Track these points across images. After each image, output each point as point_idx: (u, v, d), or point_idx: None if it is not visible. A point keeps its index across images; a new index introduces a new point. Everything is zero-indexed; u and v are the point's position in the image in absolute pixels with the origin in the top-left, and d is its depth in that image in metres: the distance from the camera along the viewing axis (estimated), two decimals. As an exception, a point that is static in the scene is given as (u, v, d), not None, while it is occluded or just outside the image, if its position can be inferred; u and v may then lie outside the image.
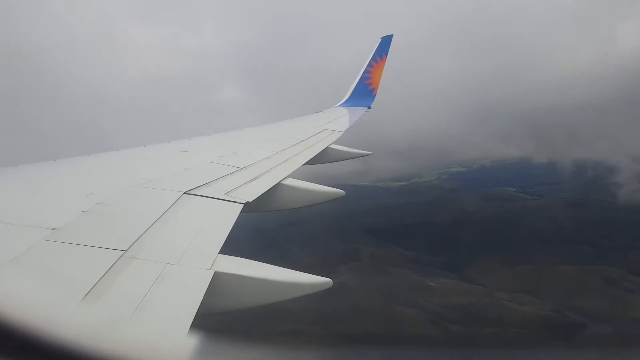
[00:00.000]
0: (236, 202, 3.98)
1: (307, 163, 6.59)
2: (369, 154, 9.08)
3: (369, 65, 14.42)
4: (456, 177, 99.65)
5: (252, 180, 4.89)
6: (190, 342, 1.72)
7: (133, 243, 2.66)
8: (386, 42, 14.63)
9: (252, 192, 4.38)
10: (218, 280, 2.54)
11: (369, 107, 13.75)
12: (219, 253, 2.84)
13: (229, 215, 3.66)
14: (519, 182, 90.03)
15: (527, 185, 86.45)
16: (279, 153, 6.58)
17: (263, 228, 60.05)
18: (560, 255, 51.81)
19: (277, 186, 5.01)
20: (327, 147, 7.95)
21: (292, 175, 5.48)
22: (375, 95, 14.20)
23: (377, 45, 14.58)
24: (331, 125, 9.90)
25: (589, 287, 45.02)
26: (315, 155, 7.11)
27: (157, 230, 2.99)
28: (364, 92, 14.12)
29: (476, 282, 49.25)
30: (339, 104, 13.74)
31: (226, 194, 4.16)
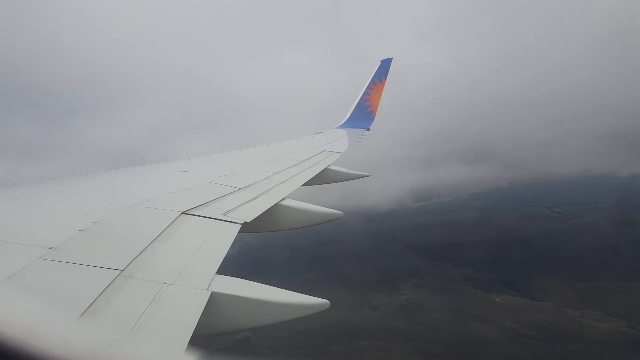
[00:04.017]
0: (234, 222, 3.97)
1: (306, 184, 6.60)
2: (368, 176, 9.10)
3: (369, 87, 14.59)
4: (476, 198, 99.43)
5: (251, 200, 4.89)
6: None
7: (130, 262, 2.65)
8: (385, 65, 14.85)
9: (250, 213, 4.37)
10: (215, 301, 2.52)
11: (368, 129, 13.86)
12: (216, 273, 2.83)
13: (227, 236, 3.64)
14: (545, 202, 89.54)
15: (554, 205, 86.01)
16: (277, 174, 6.60)
17: (302, 245, 60.28)
18: (619, 273, 51.48)
19: (276, 207, 5.01)
20: (326, 168, 7.97)
21: (290, 196, 5.49)
22: (374, 117, 14.33)
23: (376, 68, 14.79)
24: (330, 147, 9.95)
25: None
26: (314, 176, 7.13)
27: (155, 249, 2.98)
28: (363, 114, 14.24)
29: (540, 298, 49.27)
30: (338, 125, 13.85)
31: (224, 214, 4.15)
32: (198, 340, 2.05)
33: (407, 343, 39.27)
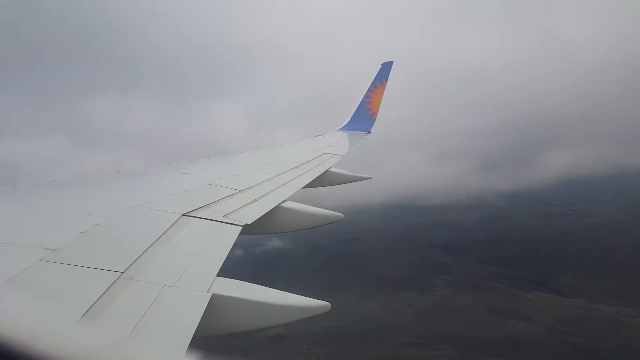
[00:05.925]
0: (235, 224, 3.97)
1: (306, 186, 6.60)
2: (369, 178, 9.10)
3: (370, 90, 14.63)
4: (484, 197, 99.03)
5: (251, 202, 4.89)
6: None
7: (131, 264, 2.65)
8: (386, 68, 14.89)
9: (251, 215, 4.37)
10: (216, 303, 2.51)
11: (369, 132, 13.90)
12: (217, 275, 2.82)
13: (228, 238, 3.64)
14: (559, 200, 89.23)
15: (568, 204, 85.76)
16: (278, 176, 6.60)
17: (321, 244, 59.94)
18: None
19: (276, 209, 5.01)
20: (326, 170, 7.98)
21: (291, 198, 5.49)
22: (375, 119, 14.38)
23: (377, 71, 14.83)
24: (331, 149, 9.97)
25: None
26: (315, 178, 7.13)
27: (155, 251, 2.97)
28: (364, 117, 14.30)
29: (572, 295, 48.83)
30: (339, 127, 13.89)
31: (225, 216, 4.15)
32: (199, 342, 2.04)
33: (447, 339, 39.26)
